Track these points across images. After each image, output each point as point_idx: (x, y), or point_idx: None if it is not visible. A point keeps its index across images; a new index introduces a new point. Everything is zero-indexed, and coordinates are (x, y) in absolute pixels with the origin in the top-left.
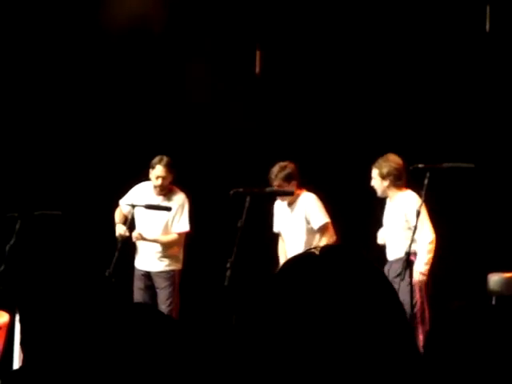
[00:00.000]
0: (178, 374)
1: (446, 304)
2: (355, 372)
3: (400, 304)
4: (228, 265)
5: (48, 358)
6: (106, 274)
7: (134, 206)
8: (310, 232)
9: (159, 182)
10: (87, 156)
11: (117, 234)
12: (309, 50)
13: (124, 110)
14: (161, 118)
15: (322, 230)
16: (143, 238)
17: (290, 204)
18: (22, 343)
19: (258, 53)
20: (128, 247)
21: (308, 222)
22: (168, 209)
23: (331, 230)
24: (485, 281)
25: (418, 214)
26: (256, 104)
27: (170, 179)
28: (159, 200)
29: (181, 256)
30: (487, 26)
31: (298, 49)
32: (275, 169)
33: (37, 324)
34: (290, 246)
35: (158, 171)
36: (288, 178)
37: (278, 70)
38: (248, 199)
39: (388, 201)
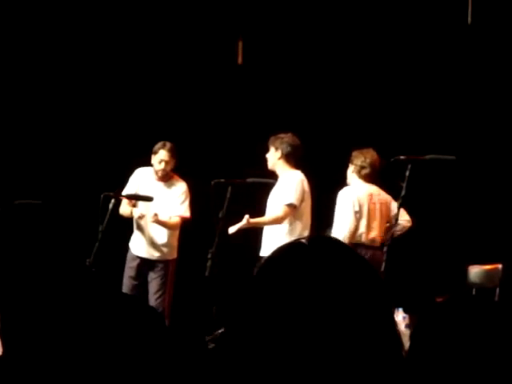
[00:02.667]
0: (161, 371)
1: (427, 297)
2: (342, 360)
3: (387, 294)
4: (209, 255)
5: (27, 347)
6: (87, 263)
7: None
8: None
9: (162, 166)
10: (68, 145)
11: (136, 216)
12: (290, 39)
13: (106, 100)
14: (145, 109)
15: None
16: (159, 220)
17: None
18: (1, 331)
19: (240, 43)
20: (115, 235)
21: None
22: (150, 199)
23: (285, 212)
24: (465, 273)
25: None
26: (239, 93)
27: (172, 164)
28: (160, 186)
29: (176, 245)
30: (469, 19)
31: (280, 39)
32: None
33: (16, 313)
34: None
35: (161, 155)
36: (278, 148)
37: (259, 60)
38: (229, 189)
39: None
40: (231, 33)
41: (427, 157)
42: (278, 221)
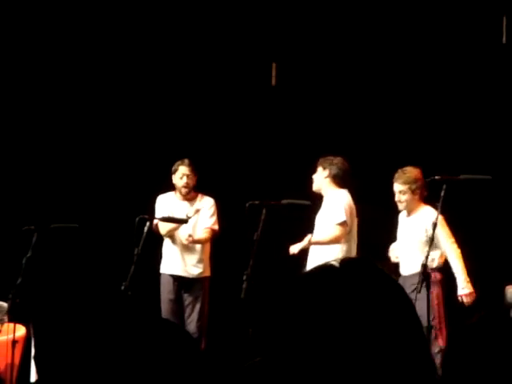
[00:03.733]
0: None
1: (463, 317)
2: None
3: (417, 318)
4: (244, 277)
5: (61, 373)
6: (123, 286)
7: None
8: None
9: (184, 180)
10: (103, 169)
11: (185, 237)
12: (322, 62)
13: (138, 122)
14: (177, 128)
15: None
16: (194, 240)
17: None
18: (35, 357)
19: (274, 65)
20: (153, 258)
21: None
22: (185, 221)
23: (340, 231)
24: (502, 293)
25: (435, 226)
26: (272, 114)
27: (194, 180)
28: (185, 205)
29: (209, 262)
30: (504, 38)
31: (312, 61)
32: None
33: (50, 338)
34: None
35: (182, 170)
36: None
37: (292, 82)
38: (264, 211)
39: (404, 215)
40: (265, 55)
41: (462, 177)
42: (337, 240)
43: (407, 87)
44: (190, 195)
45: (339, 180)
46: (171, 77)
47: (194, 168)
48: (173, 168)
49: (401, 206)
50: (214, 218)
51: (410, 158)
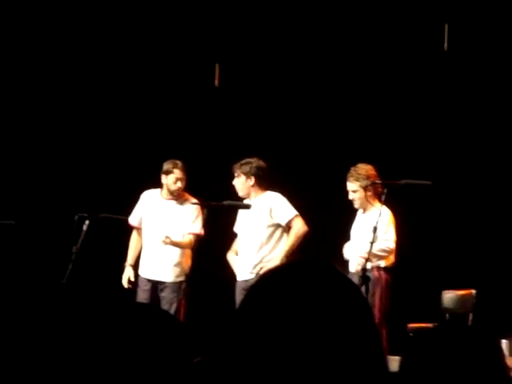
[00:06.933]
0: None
1: (401, 323)
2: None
3: (372, 318)
4: (184, 278)
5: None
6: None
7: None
8: (272, 228)
9: (178, 184)
10: (40, 165)
11: (124, 279)
12: (266, 63)
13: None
14: (120, 127)
15: (290, 223)
16: (172, 242)
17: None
18: None
19: (217, 66)
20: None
21: (272, 218)
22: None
23: (301, 221)
24: (439, 298)
25: (375, 230)
26: (215, 115)
27: (185, 182)
28: (170, 204)
29: (189, 265)
30: (445, 45)
31: (256, 62)
32: (241, 161)
33: None
34: (243, 245)
35: (177, 174)
36: (248, 173)
37: (235, 83)
38: (205, 212)
39: (360, 213)
40: (208, 56)
41: (403, 181)
42: (304, 232)
43: (352, 93)
44: (179, 195)
45: (263, 181)
46: (114, 77)
47: (186, 170)
48: (164, 168)
49: (355, 205)
50: (198, 223)
51: (352, 162)
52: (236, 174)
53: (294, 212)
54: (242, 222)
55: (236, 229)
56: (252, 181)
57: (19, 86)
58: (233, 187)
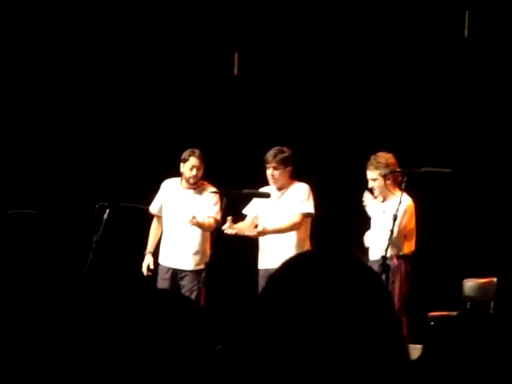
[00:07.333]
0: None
1: (423, 311)
2: (349, 372)
3: (393, 306)
4: (204, 266)
5: (24, 357)
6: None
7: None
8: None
9: (194, 172)
10: (63, 154)
11: (144, 267)
12: (285, 51)
13: (97, 109)
14: (141, 117)
15: (303, 218)
16: (198, 222)
17: (280, 189)
18: None
19: (236, 55)
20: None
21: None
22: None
23: (302, 221)
24: (460, 286)
25: (395, 218)
26: (234, 103)
27: (202, 170)
28: (190, 193)
29: (209, 253)
30: (465, 32)
31: (275, 50)
32: (272, 151)
33: (13, 323)
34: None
35: (192, 161)
36: (285, 162)
37: (255, 71)
38: (224, 200)
39: (380, 201)
40: (228, 44)
41: (423, 169)
42: (295, 227)
43: (371, 81)
44: (197, 183)
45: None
46: (135, 66)
47: (204, 159)
48: (182, 157)
49: (375, 193)
50: (217, 207)
51: (371, 151)
52: (273, 166)
53: (309, 210)
54: (271, 211)
55: (247, 211)
56: (290, 171)
57: (41, 79)
58: (251, 175)
